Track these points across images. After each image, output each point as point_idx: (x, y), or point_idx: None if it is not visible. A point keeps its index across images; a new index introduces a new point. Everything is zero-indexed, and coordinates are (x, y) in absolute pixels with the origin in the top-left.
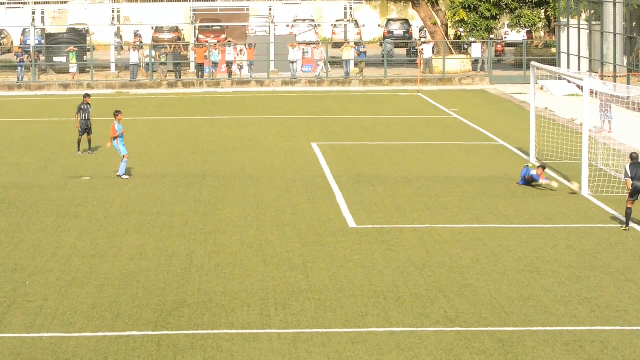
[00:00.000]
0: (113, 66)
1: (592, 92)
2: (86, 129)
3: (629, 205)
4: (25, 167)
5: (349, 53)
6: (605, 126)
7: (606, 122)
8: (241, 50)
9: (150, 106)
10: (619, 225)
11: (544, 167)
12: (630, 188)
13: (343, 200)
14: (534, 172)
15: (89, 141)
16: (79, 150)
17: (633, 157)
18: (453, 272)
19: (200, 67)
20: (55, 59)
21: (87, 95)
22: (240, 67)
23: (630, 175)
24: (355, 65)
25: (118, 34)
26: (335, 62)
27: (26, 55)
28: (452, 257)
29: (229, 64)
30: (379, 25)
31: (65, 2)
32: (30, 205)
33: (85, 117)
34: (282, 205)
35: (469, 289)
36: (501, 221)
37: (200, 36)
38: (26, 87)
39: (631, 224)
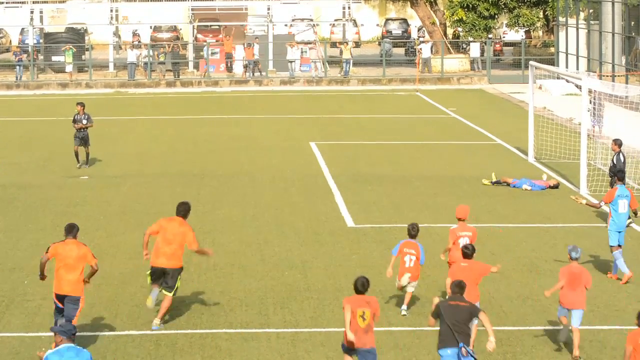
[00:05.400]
0: (111, 65)
1: (590, 91)
2: (81, 141)
3: None
4: (23, 166)
5: (348, 52)
6: (596, 129)
7: (597, 126)
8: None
9: (148, 105)
10: None
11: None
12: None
13: (341, 199)
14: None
15: (87, 154)
16: (78, 162)
17: (619, 143)
18: None
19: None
20: (54, 58)
21: (79, 104)
22: (246, 66)
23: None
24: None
25: (116, 33)
26: (334, 62)
27: (24, 55)
28: None
29: (229, 58)
30: (378, 25)
31: (63, 2)
32: (28, 204)
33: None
34: (281, 205)
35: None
36: (500, 220)
37: (199, 35)
38: (24, 87)
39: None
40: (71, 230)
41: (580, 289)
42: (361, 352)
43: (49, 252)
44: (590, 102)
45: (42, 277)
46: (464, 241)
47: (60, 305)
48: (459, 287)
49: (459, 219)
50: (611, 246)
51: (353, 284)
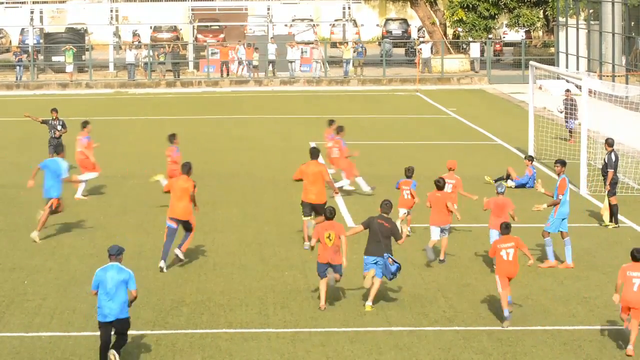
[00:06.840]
0: (111, 65)
1: (590, 92)
2: (55, 148)
3: (615, 202)
4: (23, 166)
5: (348, 52)
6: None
7: (571, 127)
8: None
9: (148, 105)
10: (617, 225)
11: (531, 159)
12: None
13: (342, 199)
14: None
15: None
16: None
17: (610, 142)
18: (451, 271)
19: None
20: (54, 58)
21: (53, 110)
22: (254, 66)
23: (614, 166)
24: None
25: (116, 34)
26: (334, 62)
27: (25, 55)
28: (451, 256)
29: (225, 63)
30: (378, 25)
31: (63, 2)
32: (28, 204)
33: (52, 134)
34: (281, 205)
35: (467, 288)
36: None
37: (199, 36)
38: (24, 87)
39: (629, 223)
40: (183, 167)
41: (504, 216)
42: (333, 266)
43: (167, 184)
44: (564, 104)
45: None
46: (448, 187)
47: (173, 224)
48: (387, 206)
49: (449, 169)
50: (549, 232)
51: (323, 212)
